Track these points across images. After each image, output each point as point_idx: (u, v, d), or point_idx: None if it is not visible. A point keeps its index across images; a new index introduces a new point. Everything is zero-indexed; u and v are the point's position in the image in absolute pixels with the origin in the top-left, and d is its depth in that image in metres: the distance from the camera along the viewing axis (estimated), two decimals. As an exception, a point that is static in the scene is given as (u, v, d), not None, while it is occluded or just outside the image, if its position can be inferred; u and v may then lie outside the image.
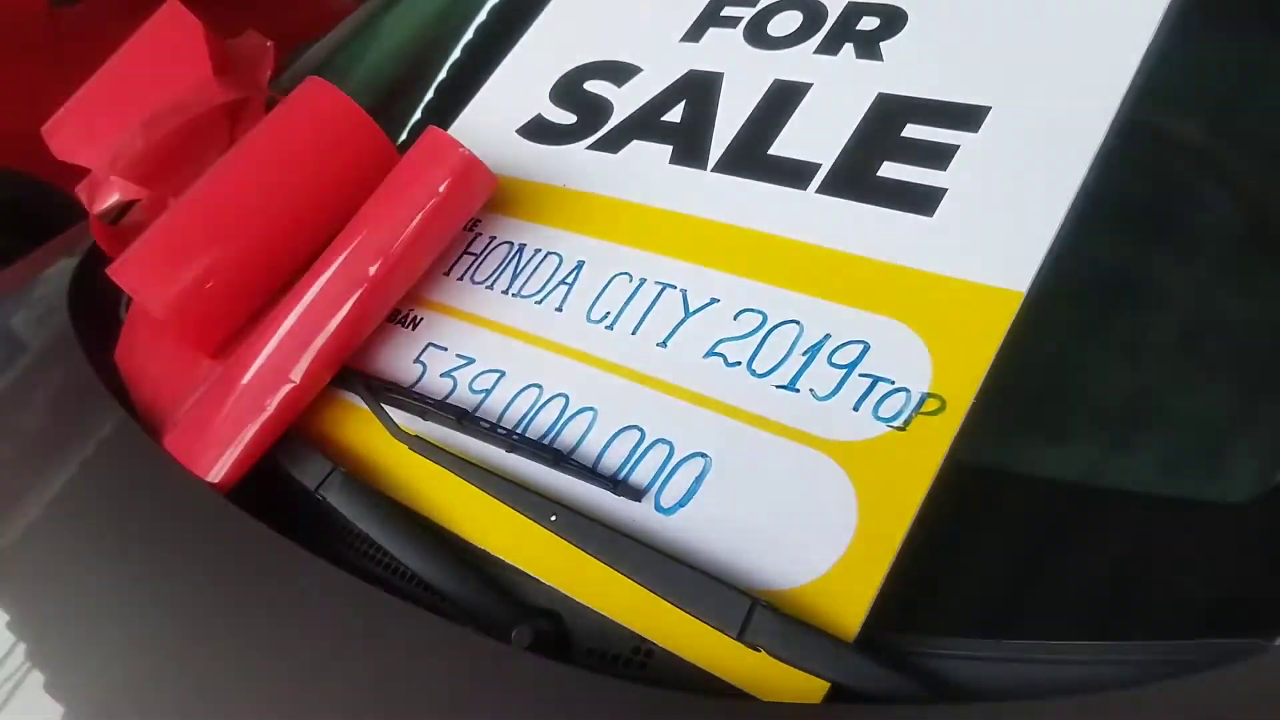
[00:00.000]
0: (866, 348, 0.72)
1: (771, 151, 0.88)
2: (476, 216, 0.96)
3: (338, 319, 0.82)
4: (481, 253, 0.95)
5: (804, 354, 0.74)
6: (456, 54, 1.30)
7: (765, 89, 0.93)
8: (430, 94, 1.23)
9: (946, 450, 0.65)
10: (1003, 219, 0.74)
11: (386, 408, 0.82)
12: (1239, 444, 0.67)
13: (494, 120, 1.07)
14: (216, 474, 0.80)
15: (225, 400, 0.82)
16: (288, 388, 0.82)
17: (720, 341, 0.77)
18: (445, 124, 1.07)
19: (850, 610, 0.62)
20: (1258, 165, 0.80)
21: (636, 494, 0.71)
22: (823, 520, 0.66)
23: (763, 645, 0.61)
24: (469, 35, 1.32)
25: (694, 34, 1.03)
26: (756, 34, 0.99)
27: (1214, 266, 0.73)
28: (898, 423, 0.68)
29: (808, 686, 0.60)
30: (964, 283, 0.72)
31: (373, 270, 0.83)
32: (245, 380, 0.82)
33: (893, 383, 0.70)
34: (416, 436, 0.80)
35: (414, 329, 0.92)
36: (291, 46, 1.50)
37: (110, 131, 1.15)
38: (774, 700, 0.60)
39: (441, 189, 0.84)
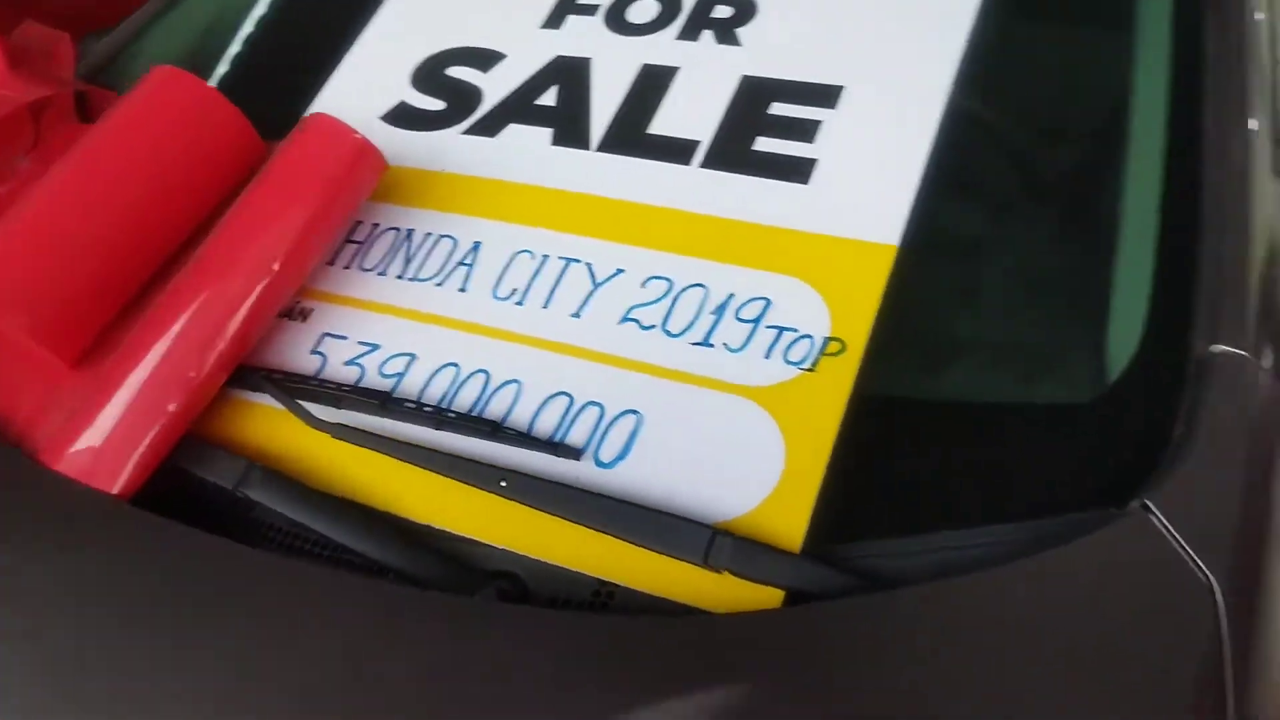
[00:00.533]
0: (769, 303, 0.82)
1: (651, 130, 0.96)
2: (351, 204, 0.97)
3: (240, 314, 0.81)
4: (366, 240, 0.96)
5: (713, 313, 0.83)
6: (282, 38, 1.28)
7: (635, 73, 1.01)
8: (266, 81, 1.20)
9: (852, 384, 0.76)
10: (871, 182, 0.87)
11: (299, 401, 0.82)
12: (1077, 357, 0.83)
13: (352, 107, 1.06)
14: (118, 485, 0.76)
15: (114, 407, 0.78)
16: (187, 388, 0.79)
17: (633, 308, 0.84)
18: (295, 112, 1.06)
19: (792, 528, 0.71)
20: (1054, 133, 0.99)
21: (575, 453, 0.77)
22: (755, 455, 0.75)
23: (725, 567, 0.69)
24: (291, 17, 1.30)
25: (554, 21, 1.09)
26: (617, 21, 1.06)
27: (1036, 214, 0.90)
28: (807, 365, 0.78)
29: (766, 596, 0.68)
30: (847, 240, 0.84)
31: (275, 264, 0.82)
32: (137, 384, 0.78)
33: (797, 331, 0.80)
34: (339, 425, 0.80)
35: (305, 320, 0.91)
36: (78, 37, 1.40)
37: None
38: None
39: (337, 175, 0.85)
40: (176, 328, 0.80)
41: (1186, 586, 0.66)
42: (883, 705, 0.62)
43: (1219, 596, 0.67)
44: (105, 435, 0.77)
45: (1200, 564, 0.67)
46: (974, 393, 0.83)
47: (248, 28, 1.29)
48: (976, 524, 0.71)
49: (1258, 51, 0.99)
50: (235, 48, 1.26)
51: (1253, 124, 0.92)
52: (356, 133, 0.86)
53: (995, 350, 0.86)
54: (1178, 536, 0.68)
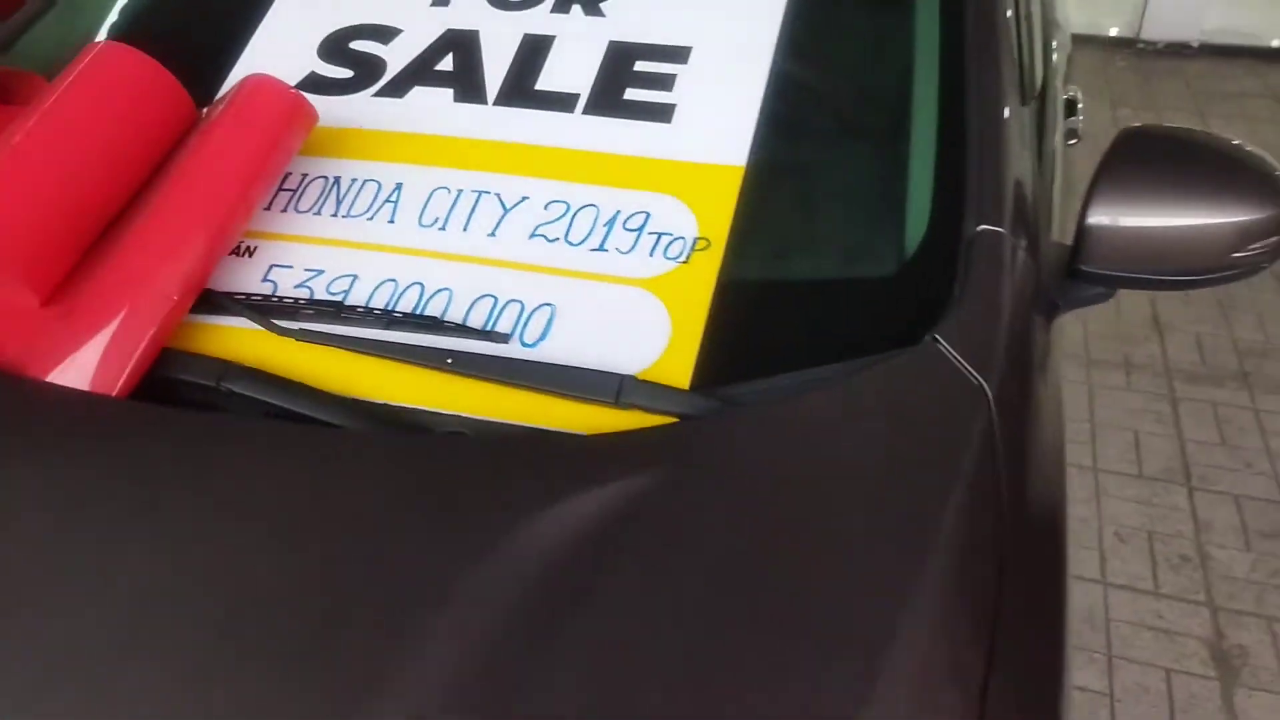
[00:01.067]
0: (649, 215, 1.06)
1: (538, 87, 1.18)
2: (279, 159, 1.14)
3: (202, 241, 0.97)
4: (298, 188, 1.13)
5: (605, 225, 1.05)
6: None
7: (519, 41, 1.22)
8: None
9: (718, 270, 1.01)
10: (719, 120, 1.12)
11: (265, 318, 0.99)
12: (883, 243, 1.11)
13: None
14: (116, 388, 0.91)
15: (100, 325, 0.93)
16: (161, 308, 0.95)
17: (539, 225, 1.06)
18: (216, 82, 1.22)
19: (679, 378, 0.94)
20: (857, 78, 1.28)
21: (504, 338, 0.98)
22: (646, 328, 0.98)
23: (631, 403, 0.91)
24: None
25: (442, 1, 1.29)
26: (498, 0, 1.28)
27: (847, 142, 1.18)
28: (682, 259, 1.02)
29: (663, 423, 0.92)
30: (705, 165, 1.09)
31: (230, 198, 0.99)
32: (124, 307, 0.93)
33: (672, 234, 1.04)
34: (303, 329, 0.98)
35: (250, 257, 1.08)
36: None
37: None
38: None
39: (279, 122, 1.03)
40: (148, 255, 0.96)
41: (967, 391, 0.94)
42: (747, 482, 0.86)
43: (990, 397, 0.95)
44: (98, 350, 0.92)
45: (975, 375, 0.95)
46: (808, 273, 1.10)
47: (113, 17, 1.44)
48: (809, 364, 0.97)
49: (1004, 15, 1.31)
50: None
51: (1005, 71, 1.24)
52: (293, 89, 1.03)
53: (823, 240, 1.13)
54: (958, 357, 0.95)
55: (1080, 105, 2.17)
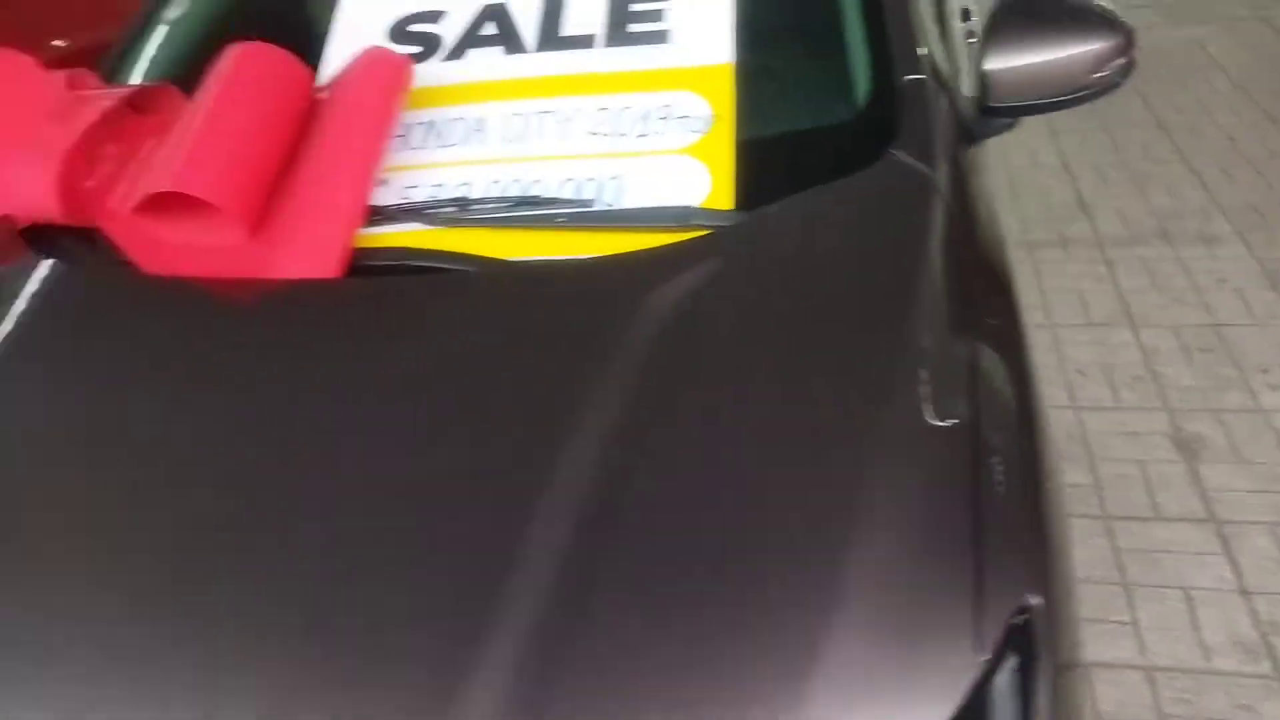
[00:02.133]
0: (672, 106, 1.51)
1: (562, 33, 1.63)
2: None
3: (364, 179, 1.42)
4: (405, 134, 1.56)
5: (642, 118, 1.51)
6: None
7: (540, 4, 1.67)
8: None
9: (732, 134, 1.46)
10: (704, 35, 1.58)
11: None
12: (840, 100, 1.58)
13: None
14: (337, 269, 1.36)
15: (307, 242, 1.36)
16: (354, 221, 1.39)
17: (594, 126, 1.51)
18: (312, 63, 1.66)
19: (725, 205, 1.40)
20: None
21: (589, 204, 1.42)
22: (692, 180, 1.43)
23: (696, 224, 1.36)
24: None
25: (474, -15, 1.74)
26: None
27: (806, 43, 1.67)
28: (705, 131, 1.48)
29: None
30: (704, 66, 1.54)
31: (377, 148, 1.44)
32: (319, 228, 1.37)
33: (692, 116, 1.49)
34: (449, 217, 1.42)
35: (386, 185, 1.51)
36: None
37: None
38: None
39: (400, 82, 1.48)
40: (331, 188, 1.39)
41: (920, 181, 1.41)
42: (779, 265, 1.32)
43: (939, 186, 1.42)
44: (307, 262, 1.36)
45: (925, 167, 1.42)
46: (796, 125, 1.57)
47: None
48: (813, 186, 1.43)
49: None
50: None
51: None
52: (404, 56, 1.48)
53: (800, 103, 1.61)
54: (912, 159, 1.42)
55: (974, 13, 2.71)
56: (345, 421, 1.21)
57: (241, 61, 1.50)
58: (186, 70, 1.68)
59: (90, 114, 1.52)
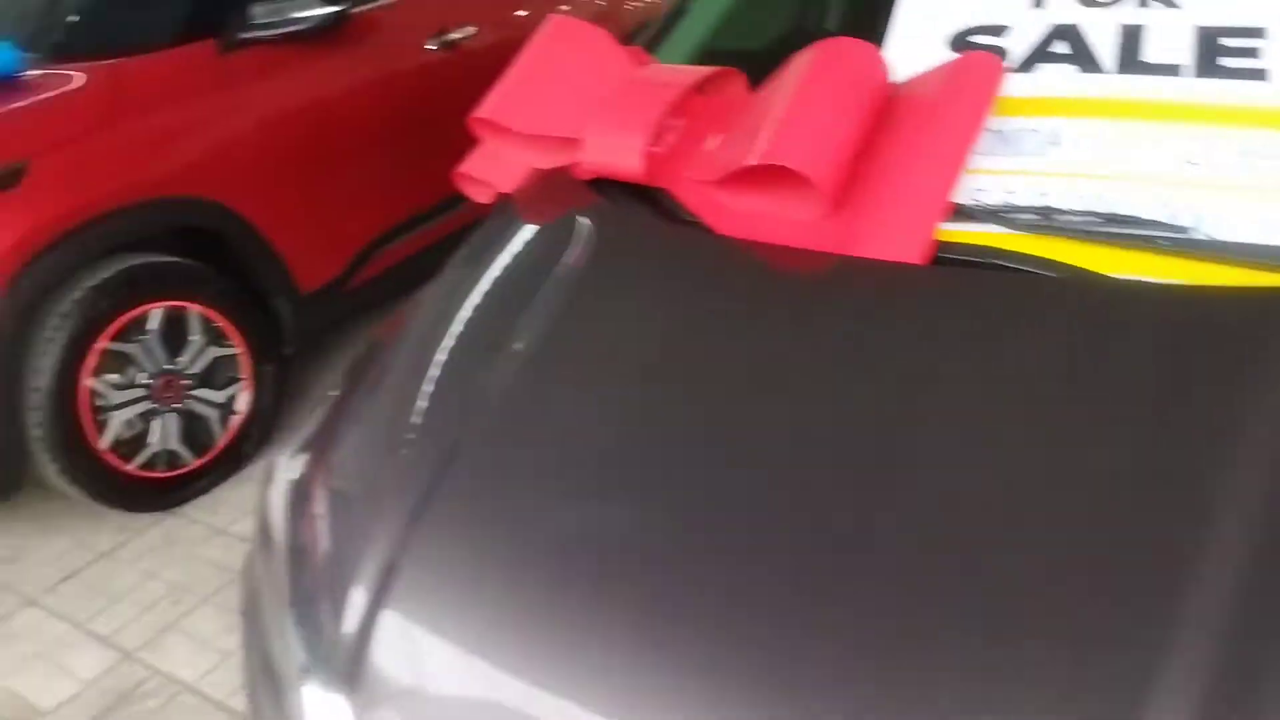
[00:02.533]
0: (1276, 144, 1.46)
1: (1143, 59, 1.62)
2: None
3: (953, 173, 1.48)
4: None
5: (1241, 153, 1.46)
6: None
7: (1117, 30, 1.67)
8: None
9: None
10: None
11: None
12: None
13: (916, 68, 1.74)
14: (923, 257, 1.42)
15: (892, 227, 1.43)
16: (938, 214, 1.45)
17: (1189, 154, 1.48)
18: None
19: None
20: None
21: (1185, 230, 1.40)
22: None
23: None
24: None
25: (1039, 3, 1.76)
26: (1086, 1, 1.74)
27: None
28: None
29: None
30: None
31: (967, 145, 1.49)
32: (906, 217, 1.44)
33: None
34: (1041, 224, 1.44)
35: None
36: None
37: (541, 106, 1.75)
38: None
39: (991, 88, 1.53)
40: (922, 178, 1.46)
41: None
42: None
43: None
44: (894, 245, 1.42)
45: None
46: None
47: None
48: None
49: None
50: None
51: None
52: (1004, 62, 1.53)
53: None
54: None
55: None
56: (931, 407, 1.25)
57: (828, 51, 1.60)
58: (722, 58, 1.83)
59: (669, 93, 1.68)
